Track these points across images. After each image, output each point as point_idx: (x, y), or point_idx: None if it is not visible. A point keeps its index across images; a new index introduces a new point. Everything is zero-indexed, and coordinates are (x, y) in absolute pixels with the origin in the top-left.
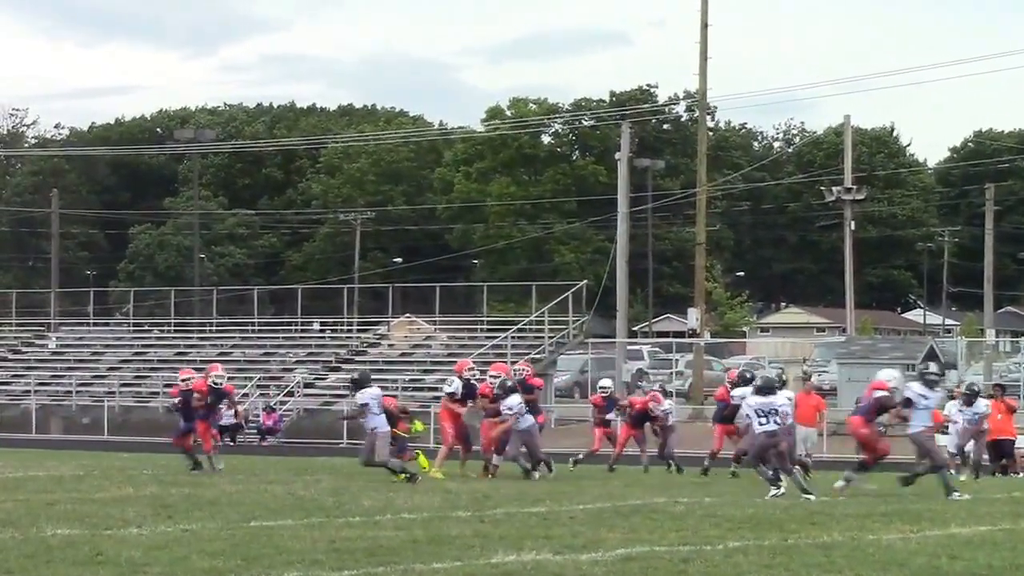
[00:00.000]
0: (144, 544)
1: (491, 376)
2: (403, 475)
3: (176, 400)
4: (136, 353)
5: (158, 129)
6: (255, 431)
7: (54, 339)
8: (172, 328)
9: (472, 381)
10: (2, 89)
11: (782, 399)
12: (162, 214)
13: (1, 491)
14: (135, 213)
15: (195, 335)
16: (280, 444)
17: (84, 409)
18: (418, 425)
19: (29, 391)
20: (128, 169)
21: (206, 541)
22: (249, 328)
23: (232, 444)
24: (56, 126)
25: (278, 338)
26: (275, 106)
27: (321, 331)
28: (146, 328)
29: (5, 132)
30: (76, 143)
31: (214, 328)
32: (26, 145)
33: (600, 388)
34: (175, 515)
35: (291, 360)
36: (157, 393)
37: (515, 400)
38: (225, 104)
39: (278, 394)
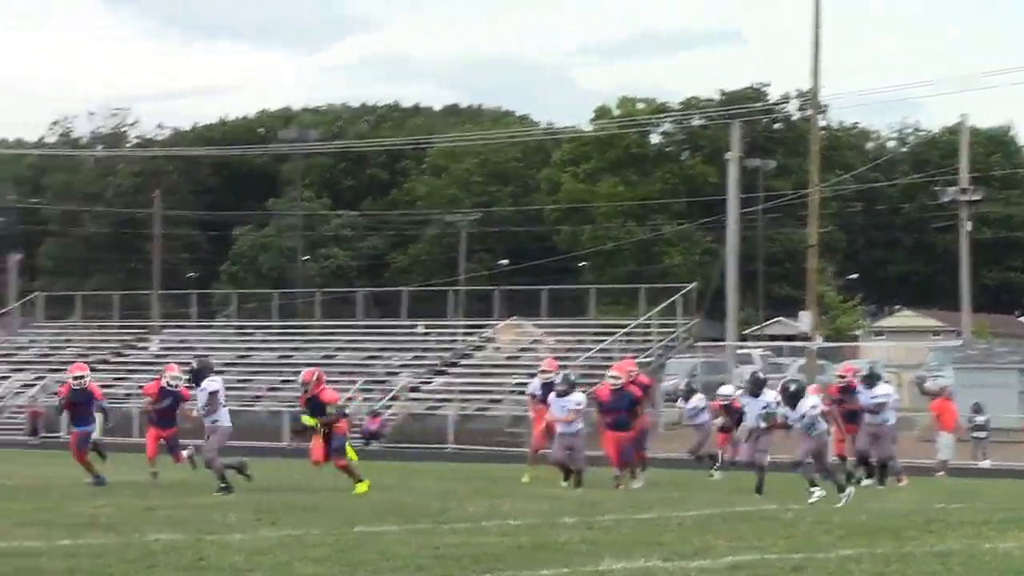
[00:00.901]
0: (246, 549)
1: (611, 377)
2: (222, 487)
3: (61, 400)
4: (239, 356)
5: (261, 129)
6: (359, 435)
7: (156, 341)
8: (275, 331)
9: (552, 381)
10: (104, 89)
11: (807, 405)
12: (265, 215)
13: (103, 495)
14: (238, 214)
15: (298, 338)
16: (385, 448)
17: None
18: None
19: (131, 394)
20: (231, 170)
21: (309, 547)
22: (353, 331)
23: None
24: (158, 126)
25: (382, 341)
26: (379, 106)
27: (426, 334)
28: (249, 331)
29: (107, 132)
30: (178, 143)
31: (317, 331)
32: (128, 145)
33: (720, 395)
34: (278, 520)
35: (396, 363)
36: (260, 396)
37: (578, 399)
38: (329, 104)
39: (382, 398)
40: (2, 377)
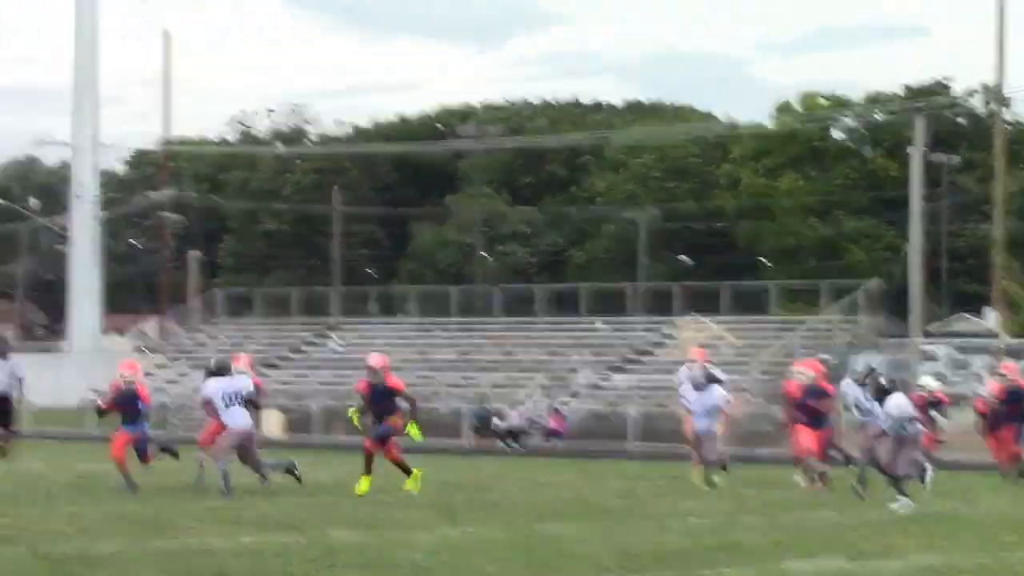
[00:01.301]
0: (428, 548)
1: (797, 372)
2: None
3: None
4: (419, 352)
5: (440, 126)
6: (540, 433)
7: (336, 338)
8: (454, 327)
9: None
10: (285, 85)
11: (894, 405)
12: (444, 211)
13: (285, 494)
14: (417, 210)
15: (477, 334)
16: (565, 446)
17: None
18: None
19: (312, 391)
20: (410, 166)
21: (491, 545)
22: (532, 327)
23: (514, 447)
24: (338, 123)
25: (561, 337)
26: (558, 102)
27: (606, 331)
28: (428, 327)
29: (287, 129)
30: (358, 140)
31: (496, 327)
32: (307, 142)
33: (921, 387)
34: (459, 519)
35: (575, 360)
36: (439, 393)
37: (715, 392)
38: (508, 100)
39: (562, 395)
40: (182, 374)
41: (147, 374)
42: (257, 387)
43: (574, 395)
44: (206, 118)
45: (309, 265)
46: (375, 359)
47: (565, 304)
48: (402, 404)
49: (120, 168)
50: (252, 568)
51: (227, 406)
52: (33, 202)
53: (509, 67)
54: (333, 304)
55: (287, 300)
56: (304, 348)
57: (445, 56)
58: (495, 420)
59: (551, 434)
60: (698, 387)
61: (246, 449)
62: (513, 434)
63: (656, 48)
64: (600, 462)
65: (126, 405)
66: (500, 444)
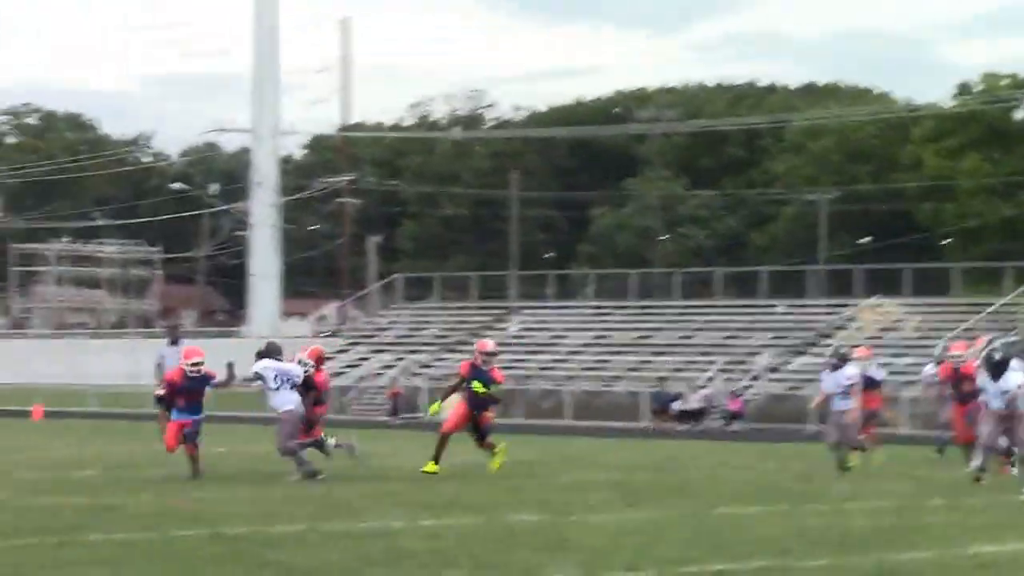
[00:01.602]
0: (609, 531)
1: (950, 356)
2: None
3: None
4: (597, 336)
5: (617, 109)
6: (720, 415)
7: (515, 322)
8: (633, 311)
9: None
10: (462, 71)
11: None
12: (622, 195)
13: (460, 478)
14: (595, 194)
15: (656, 318)
16: (746, 429)
17: (546, 393)
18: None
19: None
20: (587, 150)
21: (672, 528)
22: (712, 311)
23: (696, 428)
24: (515, 108)
25: (741, 321)
26: (736, 84)
27: (786, 314)
28: (606, 311)
29: (464, 114)
30: (535, 124)
31: (676, 311)
32: (485, 127)
33: None
34: (640, 502)
35: (755, 343)
36: (620, 377)
37: (849, 372)
38: (685, 83)
39: (742, 378)
40: (362, 358)
41: (326, 359)
42: (317, 382)
43: (754, 378)
44: (385, 104)
45: (487, 249)
46: (490, 344)
47: (744, 287)
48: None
49: (300, 154)
50: (432, 550)
51: (277, 388)
52: (214, 189)
53: (685, 50)
54: (511, 288)
55: (465, 284)
56: (483, 332)
57: (622, 40)
58: (674, 402)
59: (731, 416)
60: (834, 368)
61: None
62: (692, 416)
63: (835, 29)
64: (780, 444)
65: (192, 393)
66: (679, 426)
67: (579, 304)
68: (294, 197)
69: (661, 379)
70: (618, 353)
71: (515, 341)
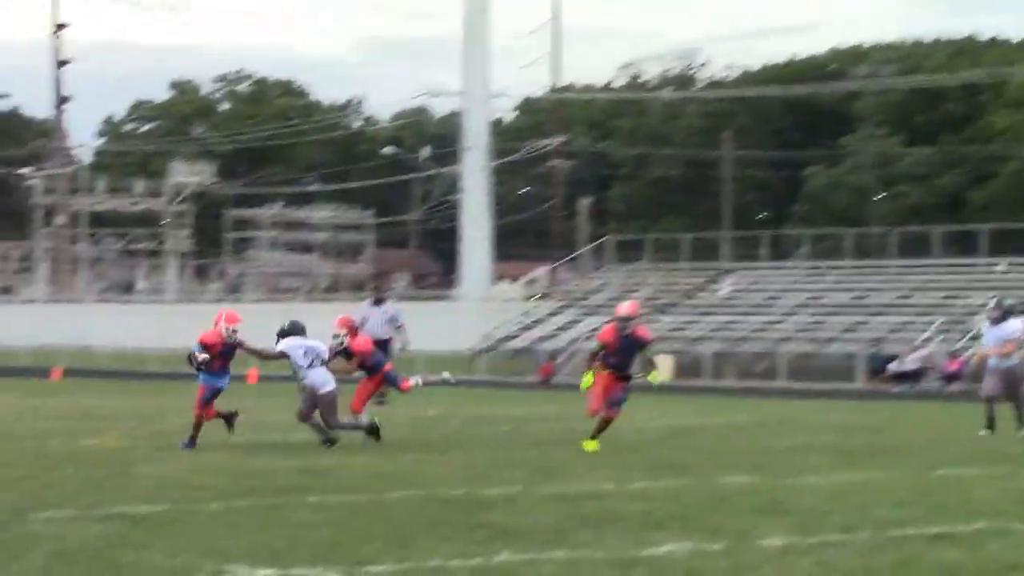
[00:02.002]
0: (824, 492)
1: None
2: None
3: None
4: (811, 297)
5: (832, 67)
6: (937, 376)
7: (727, 284)
8: (848, 271)
9: None
10: (674, 31)
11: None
12: (837, 154)
13: (670, 438)
14: (809, 153)
15: (872, 278)
16: (964, 390)
17: (759, 355)
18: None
19: (703, 337)
20: (801, 109)
21: (888, 490)
22: (930, 270)
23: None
24: (728, 67)
25: (960, 280)
26: (955, 39)
27: (1006, 272)
28: (821, 271)
29: (676, 74)
30: (748, 84)
31: (892, 270)
32: (697, 88)
33: None
34: (855, 463)
35: (975, 303)
36: (833, 338)
37: (1014, 326)
38: (902, 39)
39: (961, 338)
40: (574, 321)
41: (535, 321)
42: (356, 350)
43: (975, 338)
44: (595, 65)
45: (699, 210)
46: (626, 307)
47: (963, 245)
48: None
49: (510, 117)
50: (643, 511)
51: (309, 365)
52: (425, 153)
53: (902, 5)
54: (724, 249)
55: (677, 246)
56: (695, 294)
57: None
58: (890, 364)
59: (949, 377)
60: (995, 321)
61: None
62: (909, 377)
63: None
64: (1002, 407)
65: (225, 357)
66: (895, 388)
67: (793, 265)
68: (505, 160)
69: (877, 340)
70: (833, 314)
71: (728, 303)
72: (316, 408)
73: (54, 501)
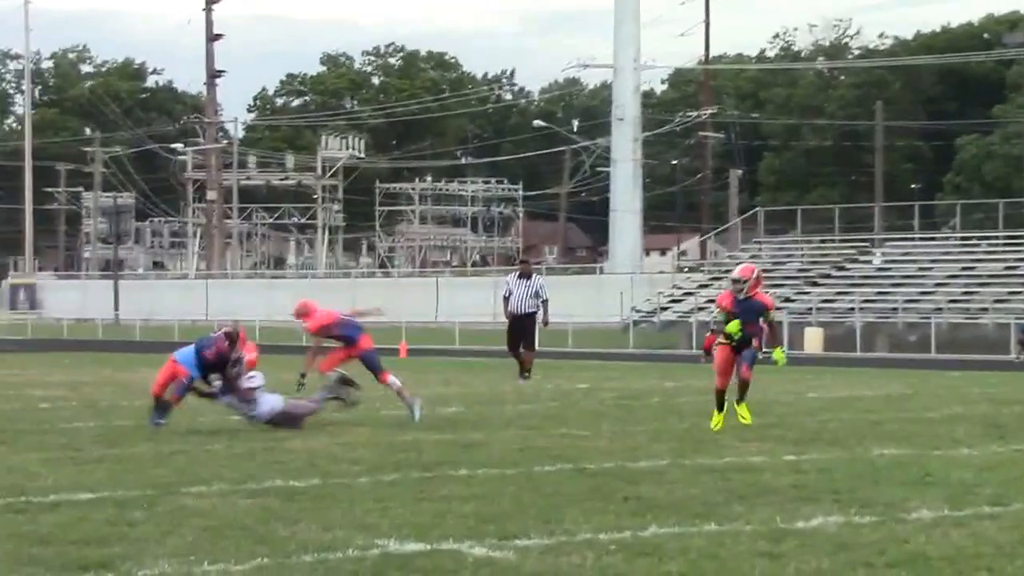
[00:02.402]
0: (975, 465)
1: None
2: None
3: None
4: (964, 268)
5: (986, 35)
6: None
7: (879, 255)
8: (1001, 241)
9: None
10: (826, 1)
11: None
12: (990, 123)
13: (820, 410)
14: (962, 123)
15: None
16: None
17: (911, 327)
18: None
19: (854, 308)
20: (955, 77)
21: None
22: None
23: None
24: (880, 36)
25: None
26: None
27: None
28: (974, 242)
29: (828, 44)
30: (901, 53)
31: None
32: (849, 57)
33: None
34: (1007, 435)
35: None
36: (986, 309)
37: None
38: None
39: None
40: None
41: (686, 294)
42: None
43: None
44: (747, 35)
45: (850, 181)
46: (739, 270)
47: None
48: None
49: (660, 88)
50: (793, 484)
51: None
52: (575, 125)
53: None
54: (876, 220)
55: (828, 217)
56: (846, 265)
57: None
58: None
59: None
60: None
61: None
62: None
63: None
64: None
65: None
66: None
67: (945, 235)
68: (655, 132)
69: None
70: (985, 285)
71: (879, 274)
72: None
73: (205, 476)
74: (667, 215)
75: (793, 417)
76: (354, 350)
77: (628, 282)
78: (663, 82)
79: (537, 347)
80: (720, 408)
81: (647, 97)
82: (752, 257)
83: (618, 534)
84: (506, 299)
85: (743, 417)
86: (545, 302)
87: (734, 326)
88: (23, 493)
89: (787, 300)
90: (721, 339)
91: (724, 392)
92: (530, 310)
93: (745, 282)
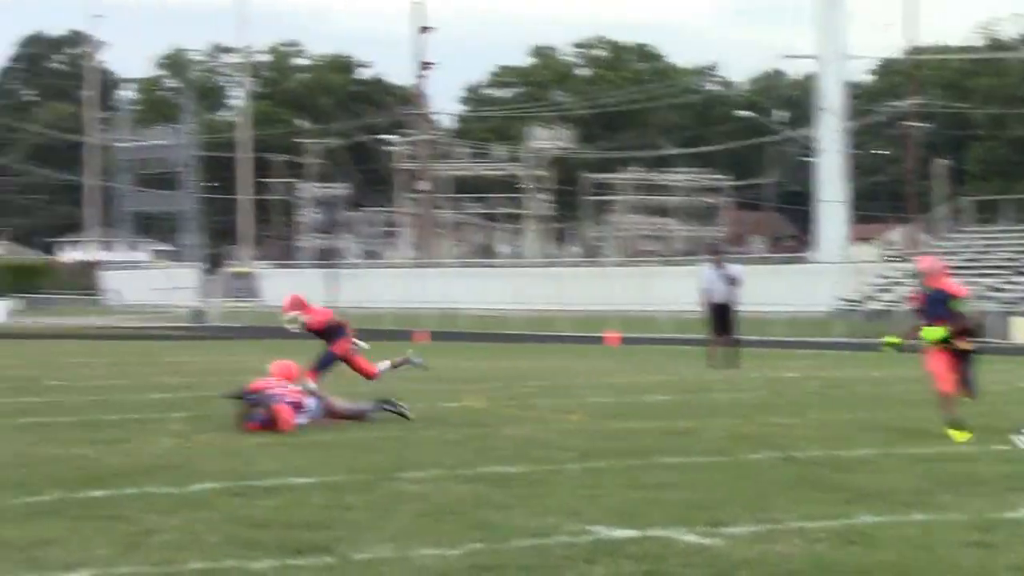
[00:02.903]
0: None
1: None
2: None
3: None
4: None
5: None
6: None
7: None
8: None
9: None
10: None
11: None
12: None
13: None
14: None
15: None
16: None
17: None
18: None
19: None
20: None
21: None
22: None
23: None
24: None
25: None
26: None
27: None
28: None
29: None
30: None
31: None
32: None
33: None
34: None
35: None
36: None
37: None
38: None
39: None
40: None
41: (893, 283)
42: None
43: None
44: (952, 25)
45: None
46: (920, 261)
47: None
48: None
49: (865, 78)
50: (1006, 474)
51: None
52: (780, 115)
53: None
54: None
55: None
56: None
57: None
58: None
59: None
60: None
61: None
62: None
63: None
64: None
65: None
66: None
67: None
68: (860, 122)
69: None
70: None
71: None
72: None
73: (420, 462)
74: (872, 205)
75: (1004, 407)
76: (339, 349)
77: (834, 271)
78: (868, 72)
79: (741, 336)
80: (956, 423)
81: (852, 87)
82: (959, 247)
83: (827, 522)
84: (703, 289)
85: (957, 437)
86: (740, 285)
87: (935, 332)
88: (241, 477)
89: (995, 290)
90: (929, 344)
91: (953, 396)
92: (728, 299)
93: (923, 274)
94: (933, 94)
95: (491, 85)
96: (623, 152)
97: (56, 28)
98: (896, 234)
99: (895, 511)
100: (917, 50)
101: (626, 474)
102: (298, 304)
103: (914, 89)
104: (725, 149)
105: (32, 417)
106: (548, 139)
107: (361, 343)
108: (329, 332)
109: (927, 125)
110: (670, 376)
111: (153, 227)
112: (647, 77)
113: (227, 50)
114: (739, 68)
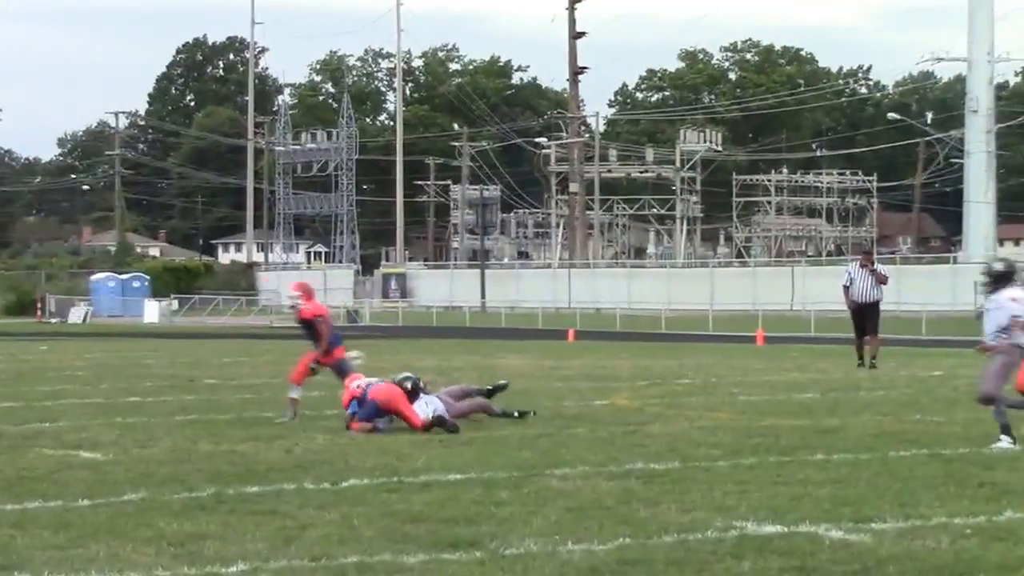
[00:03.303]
0: None
1: None
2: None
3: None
4: None
5: None
6: None
7: None
8: None
9: None
10: None
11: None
12: None
13: None
14: None
15: None
16: None
17: None
18: None
19: None
20: None
21: None
22: None
23: None
24: None
25: None
26: None
27: None
28: None
29: None
30: None
31: None
32: None
33: None
34: None
35: None
36: None
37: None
38: None
39: None
40: None
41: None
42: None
43: None
44: None
45: None
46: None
47: None
48: None
49: (1015, 80)
50: None
51: None
52: (929, 117)
53: None
54: None
55: None
56: None
57: None
58: None
59: None
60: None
61: None
62: None
63: None
64: None
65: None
66: None
67: None
68: (1009, 123)
69: None
70: None
71: None
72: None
73: (568, 459)
74: (1020, 205)
75: None
76: (329, 358)
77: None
78: (1017, 74)
79: (883, 335)
80: None
81: (1001, 89)
82: None
83: (973, 519)
84: (847, 288)
85: None
86: (884, 285)
87: None
88: (396, 473)
89: None
90: None
91: None
92: (873, 298)
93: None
94: None
95: (641, 89)
96: (773, 154)
97: (216, 34)
98: None
99: None
100: None
101: (773, 471)
102: (304, 289)
103: None
104: (874, 151)
105: (189, 415)
106: (697, 141)
107: (354, 354)
108: (315, 328)
109: None
110: (817, 374)
111: (309, 229)
112: (797, 80)
113: (383, 55)
114: (889, 71)
